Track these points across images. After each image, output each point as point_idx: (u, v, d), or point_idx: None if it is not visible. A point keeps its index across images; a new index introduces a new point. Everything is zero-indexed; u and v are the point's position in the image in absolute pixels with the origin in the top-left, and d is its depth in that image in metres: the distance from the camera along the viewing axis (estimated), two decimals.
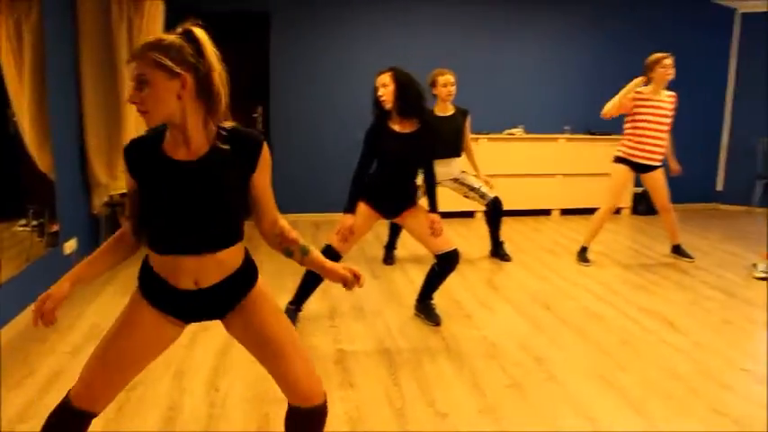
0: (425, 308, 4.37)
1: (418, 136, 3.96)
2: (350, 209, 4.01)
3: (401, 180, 4.07)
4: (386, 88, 3.88)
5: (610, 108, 5.57)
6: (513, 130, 7.79)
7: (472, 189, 5.80)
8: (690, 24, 8.51)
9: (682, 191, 8.64)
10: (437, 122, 5.48)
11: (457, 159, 5.75)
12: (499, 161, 7.55)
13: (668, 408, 3.21)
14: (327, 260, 2.14)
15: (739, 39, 8.71)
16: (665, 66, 5.47)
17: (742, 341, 4.11)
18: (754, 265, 5.64)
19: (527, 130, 7.91)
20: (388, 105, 3.89)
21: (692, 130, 8.57)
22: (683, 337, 4.14)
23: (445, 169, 5.62)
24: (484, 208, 5.89)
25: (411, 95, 3.88)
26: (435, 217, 4.03)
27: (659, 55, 5.53)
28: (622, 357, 3.82)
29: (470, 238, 6.68)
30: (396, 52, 7.31)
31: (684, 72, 8.39)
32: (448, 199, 6.29)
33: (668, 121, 5.59)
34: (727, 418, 3.11)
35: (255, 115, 7.58)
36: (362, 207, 4.05)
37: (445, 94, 5.54)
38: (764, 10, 8.45)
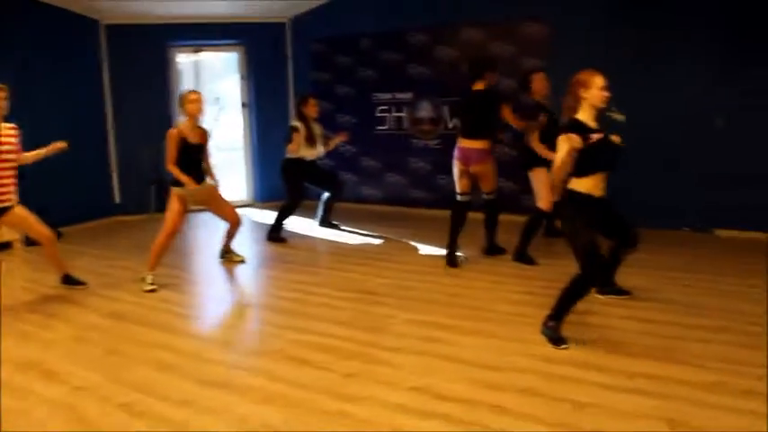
0: None
1: None
2: None
3: None
4: None
5: None
6: None
7: None
8: (59, 38, 7.99)
9: (81, 209, 8.25)
10: None
11: None
12: None
13: None
14: None
15: (108, 50, 8.59)
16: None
17: (126, 372, 3.83)
18: (143, 279, 5.51)
19: None
20: None
21: (82, 147, 8.16)
22: (61, 387, 3.64)
23: None
24: None
25: None
26: None
27: None
28: None
29: None
30: None
31: (62, 89, 7.93)
32: None
33: (13, 156, 5.02)
34: None
35: None
36: None
37: None
38: (126, 22, 8.51)
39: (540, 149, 5.56)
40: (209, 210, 6.00)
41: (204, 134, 5.70)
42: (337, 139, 7.42)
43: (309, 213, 7.98)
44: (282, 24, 9.24)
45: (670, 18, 6.59)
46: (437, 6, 7.94)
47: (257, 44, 9.17)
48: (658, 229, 6.66)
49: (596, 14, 6.95)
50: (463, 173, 5.74)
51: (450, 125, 7.91)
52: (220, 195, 5.96)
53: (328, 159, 8.98)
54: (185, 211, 5.66)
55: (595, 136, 3.78)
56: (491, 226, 6.02)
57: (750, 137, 6.36)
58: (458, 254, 5.88)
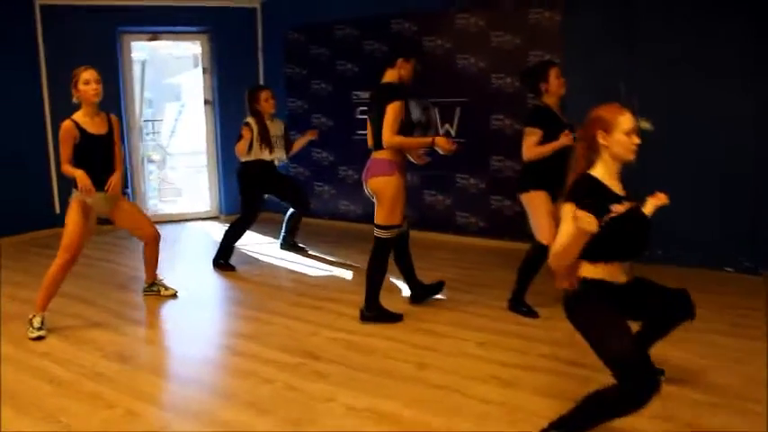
0: None
1: None
2: None
3: None
4: None
5: None
6: None
7: None
8: None
9: (15, 219, 7.08)
10: None
11: None
12: None
13: None
14: None
15: (45, 35, 7.34)
16: None
17: None
18: (31, 321, 4.26)
19: None
20: None
21: (17, 150, 7.03)
22: None
23: None
24: None
25: None
26: None
27: None
28: None
29: None
30: None
31: None
32: None
33: None
34: None
35: None
36: None
37: None
38: (66, 2, 7.28)
39: (537, 151, 4.25)
40: (115, 223, 4.75)
41: (110, 122, 4.46)
42: (304, 139, 6.18)
43: (274, 230, 6.73)
44: (253, 10, 7.96)
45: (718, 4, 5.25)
46: None
47: (223, 32, 7.89)
48: (693, 268, 5.34)
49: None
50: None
51: (442, 131, 6.58)
52: (131, 204, 4.71)
53: (302, 168, 7.73)
54: (89, 224, 4.43)
55: (619, 207, 2.51)
56: (402, 265, 4.66)
57: None
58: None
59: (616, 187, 2.70)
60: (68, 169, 4.26)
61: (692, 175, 5.34)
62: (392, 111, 4.09)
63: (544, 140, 4.21)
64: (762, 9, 5.01)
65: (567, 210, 2.54)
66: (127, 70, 7.79)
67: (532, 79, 4.45)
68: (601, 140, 2.66)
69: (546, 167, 4.27)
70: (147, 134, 9.33)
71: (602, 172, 2.69)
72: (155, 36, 7.95)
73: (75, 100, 4.33)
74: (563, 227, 2.55)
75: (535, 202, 4.34)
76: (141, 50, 8.98)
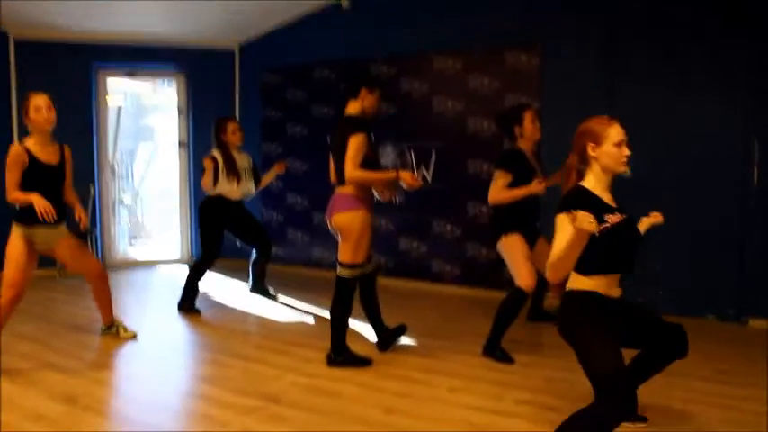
0: None
1: None
2: None
3: None
4: None
5: None
6: None
7: None
8: None
9: None
10: None
11: None
12: None
13: None
14: None
15: (18, 71, 7.20)
16: None
17: None
18: None
19: None
20: None
21: None
22: None
23: None
24: None
25: None
26: None
27: None
28: None
29: None
30: None
31: None
32: None
33: None
34: None
35: None
36: None
37: None
38: (43, 38, 7.16)
39: (505, 195, 4.13)
40: (60, 263, 4.54)
41: (62, 153, 4.28)
42: (273, 172, 6.04)
43: (243, 275, 6.50)
44: (231, 52, 7.89)
45: (697, 43, 5.22)
46: (404, 32, 6.61)
47: (200, 74, 7.80)
48: (675, 316, 5.16)
49: (597, 40, 5.62)
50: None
51: (418, 176, 6.44)
52: (75, 240, 4.42)
53: (276, 214, 7.55)
54: (34, 258, 4.20)
55: (612, 218, 2.47)
56: (368, 309, 4.41)
57: None
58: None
59: (607, 199, 2.65)
60: (19, 195, 3.99)
61: (673, 219, 5.22)
62: (354, 144, 3.90)
63: (513, 185, 4.11)
64: (753, 54, 5.00)
65: (561, 219, 2.48)
66: (102, 107, 7.64)
67: (507, 123, 4.37)
68: (590, 152, 2.61)
69: (516, 210, 4.16)
70: (121, 176, 9.10)
71: (593, 183, 2.64)
72: (132, 73, 7.85)
73: (28, 127, 4.15)
74: (558, 237, 2.48)
75: (510, 246, 4.20)
76: (119, 94, 8.82)
